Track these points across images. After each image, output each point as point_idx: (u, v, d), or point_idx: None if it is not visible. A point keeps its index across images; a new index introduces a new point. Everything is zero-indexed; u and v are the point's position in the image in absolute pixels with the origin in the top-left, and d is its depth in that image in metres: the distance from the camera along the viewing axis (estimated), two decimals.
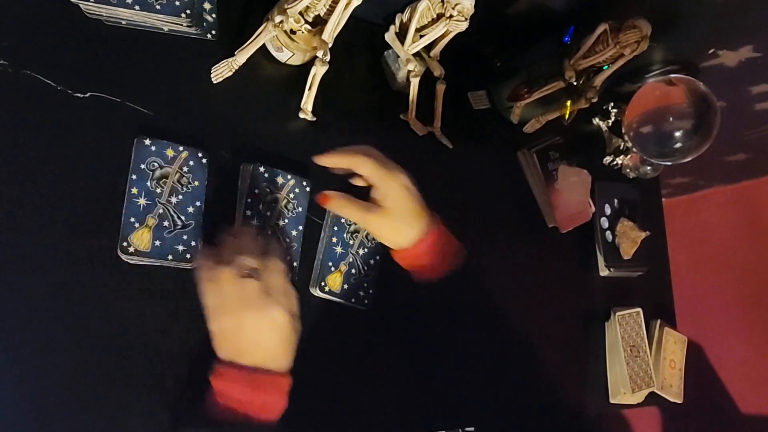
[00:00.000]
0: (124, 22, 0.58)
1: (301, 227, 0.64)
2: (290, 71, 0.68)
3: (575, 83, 0.80)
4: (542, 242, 0.90)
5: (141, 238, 0.55)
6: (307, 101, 0.67)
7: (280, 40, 0.63)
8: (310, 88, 0.66)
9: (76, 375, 0.52)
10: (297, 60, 0.67)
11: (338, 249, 0.67)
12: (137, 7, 0.56)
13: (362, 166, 0.58)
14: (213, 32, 0.63)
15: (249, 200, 0.61)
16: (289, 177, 0.64)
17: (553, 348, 0.89)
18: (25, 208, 0.52)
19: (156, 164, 0.57)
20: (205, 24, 0.62)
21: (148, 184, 0.56)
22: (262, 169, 0.62)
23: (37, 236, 0.52)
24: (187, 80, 0.62)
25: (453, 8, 0.66)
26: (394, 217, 0.59)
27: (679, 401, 0.99)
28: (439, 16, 0.68)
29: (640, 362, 0.92)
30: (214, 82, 0.63)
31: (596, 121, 1.02)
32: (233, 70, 0.63)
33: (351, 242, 0.68)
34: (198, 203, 0.59)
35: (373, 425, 0.68)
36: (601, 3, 0.77)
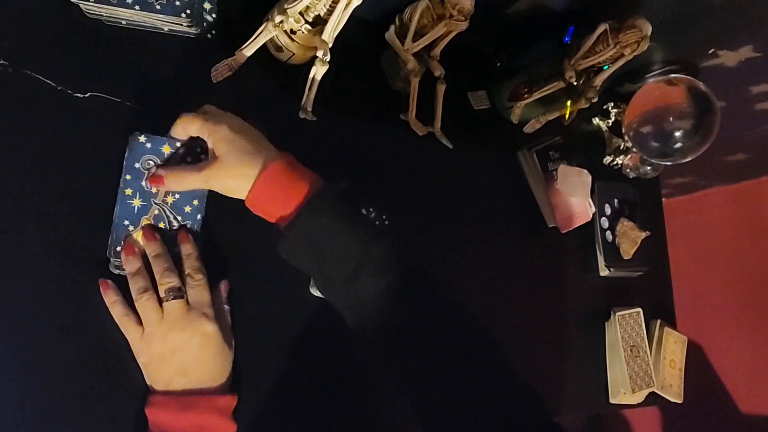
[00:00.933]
0: (124, 22, 0.58)
1: (196, 201, 0.57)
2: (290, 71, 0.68)
3: (575, 83, 0.80)
4: (542, 242, 0.90)
5: (138, 236, 0.54)
6: (307, 101, 0.67)
7: (280, 40, 0.63)
8: (310, 88, 0.66)
9: (75, 375, 0.52)
10: (297, 60, 0.67)
11: (136, 201, 0.56)
12: (137, 7, 0.56)
13: (190, 125, 0.53)
14: (213, 32, 0.64)
15: (128, 177, 0.54)
16: (177, 144, 0.56)
17: (553, 348, 0.89)
18: (24, 208, 0.52)
19: (152, 162, 0.55)
20: (205, 24, 0.62)
21: (143, 183, 0.55)
22: (142, 138, 0.54)
23: (37, 236, 0.52)
24: (187, 80, 0.62)
25: (453, 8, 0.66)
26: (229, 166, 0.51)
27: (679, 401, 0.99)
28: (439, 16, 0.68)
29: (640, 362, 0.92)
30: (214, 82, 0.63)
31: (596, 121, 1.02)
32: (233, 70, 0.63)
33: (153, 190, 0.56)
34: (195, 201, 0.57)
35: (370, 426, 0.68)
36: (601, 3, 0.77)
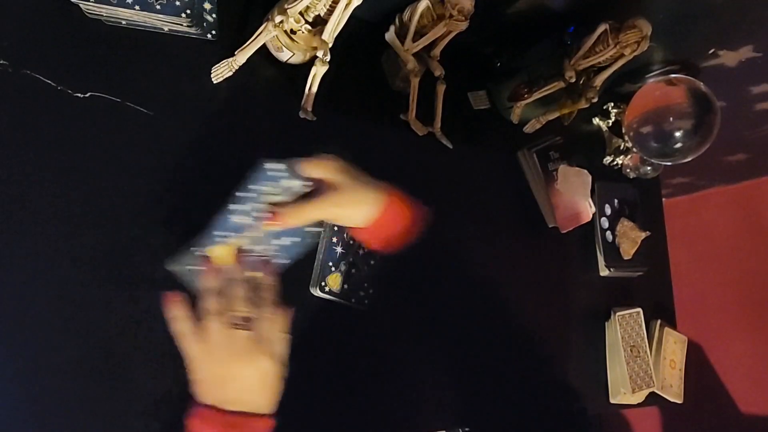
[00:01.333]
0: (124, 22, 0.58)
1: (295, 237, 0.58)
2: (290, 71, 0.68)
3: (575, 83, 0.80)
4: (542, 242, 0.90)
5: (223, 254, 0.54)
6: (307, 101, 0.67)
7: (280, 40, 0.63)
8: (310, 88, 0.66)
9: (76, 375, 0.52)
10: (297, 60, 0.67)
11: (339, 249, 0.67)
12: (137, 7, 0.56)
13: (312, 168, 0.55)
14: (213, 32, 0.63)
15: (238, 194, 0.55)
16: (300, 181, 0.57)
17: (553, 348, 0.89)
18: (24, 207, 0.52)
19: (269, 190, 0.54)
20: (205, 24, 0.62)
21: (249, 207, 0.54)
22: (267, 165, 0.55)
23: (37, 235, 0.52)
24: (187, 80, 0.62)
25: (453, 8, 0.66)
26: (350, 195, 0.55)
27: (679, 401, 0.99)
28: (439, 16, 0.68)
29: (640, 362, 0.92)
30: (214, 82, 0.63)
31: (596, 121, 1.02)
32: (233, 70, 0.63)
33: (351, 242, 0.67)
34: (294, 237, 0.57)
35: (372, 425, 0.68)
36: (601, 3, 0.77)
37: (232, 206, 0.53)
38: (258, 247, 0.55)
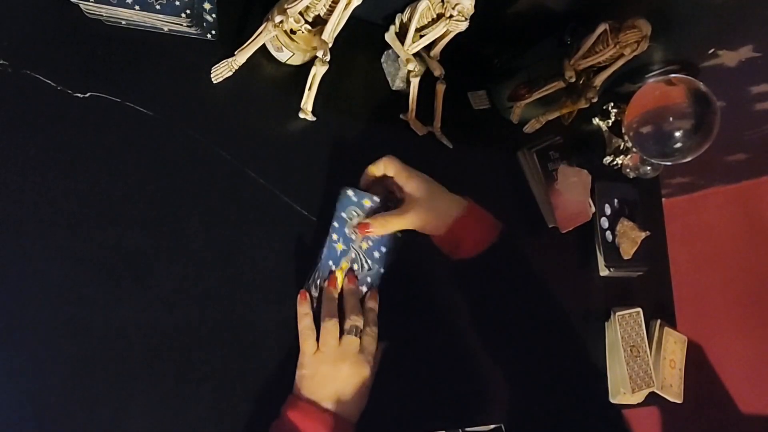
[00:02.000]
0: (124, 22, 0.58)
1: (383, 248, 0.66)
2: (290, 71, 0.68)
3: (575, 83, 0.80)
4: (542, 242, 0.90)
5: (338, 277, 0.63)
6: (307, 101, 0.67)
7: (280, 40, 0.63)
8: (310, 88, 0.66)
9: (76, 375, 0.52)
10: (297, 60, 0.67)
11: (339, 246, 0.65)
12: (137, 7, 0.56)
13: (388, 166, 0.61)
14: (213, 32, 0.64)
15: (335, 224, 0.63)
16: (376, 199, 0.65)
17: (553, 348, 0.89)
18: (24, 207, 0.52)
19: (355, 213, 0.63)
20: (205, 24, 0.62)
21: (346, 230, 0.63)
22: (350, 192, 0.64)
23: (36, 235, 0.52)
24: (187, 80, 0.62)
25: (453, 8, 0.66)
26: (428, 207, 0.61)
27: (679, 401, 0.98)
28: (439, 16, 0.68)
29: (640, 362, 0.92)
30: (214, 82, 0.63)
31: (596, 121, 1.02)
32: (233, 70, 0.63)
33: (353, 237, 0.66)
34: (383, 249, 0.65)
35: (372, 425, 0.68)
36: (601, 3, 0.77)
37: (333, 236, 0.63)
38: (357, 265, 0.64)
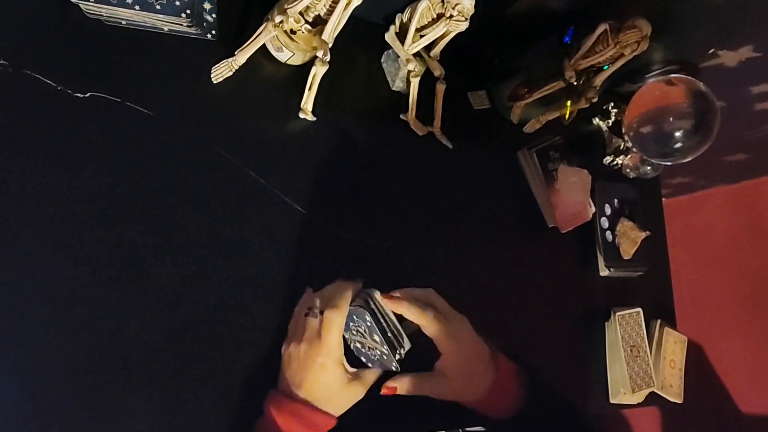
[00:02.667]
0: (124, 22, 0.58)
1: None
2: (290, 71, 0.68)
3: (575, 83, 0.80)
4: (542, 242, 0.90)
5: None
6: (307, 101, 0.67)
7: (280, 40, 0.63)
8: (310, 88, 0.66)
9: (76, 375, 0.52)
10: (297, 60, 0.67)
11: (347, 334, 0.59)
12: (137, 7, 0.56)
13: (428, 326, 0.56)
14: (213, 32, 0.64)
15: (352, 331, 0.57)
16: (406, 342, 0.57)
17: (553, 348, 0.89)
18: (24, 207, 0.52)
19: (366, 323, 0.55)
20: (205, 24, 0.62)
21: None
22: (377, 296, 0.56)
23: (36, 235, 0.52)
24: (187, 80, 0.62)
25: (453, 8, 0.66)
26: (464, 381, 0.58)
27: (679, 401, 0.98)
28: (439, 16, 0.68)
29: (640, 362, 0.92)
30: (214, 82, 0.63)
31: (596, 121, 1.02)
32: (233, 70, 0.63)
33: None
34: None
35: (377, 423, 0.68)
36: (601, 3, 0.77)
37: (359, 343, 0.57)
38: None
